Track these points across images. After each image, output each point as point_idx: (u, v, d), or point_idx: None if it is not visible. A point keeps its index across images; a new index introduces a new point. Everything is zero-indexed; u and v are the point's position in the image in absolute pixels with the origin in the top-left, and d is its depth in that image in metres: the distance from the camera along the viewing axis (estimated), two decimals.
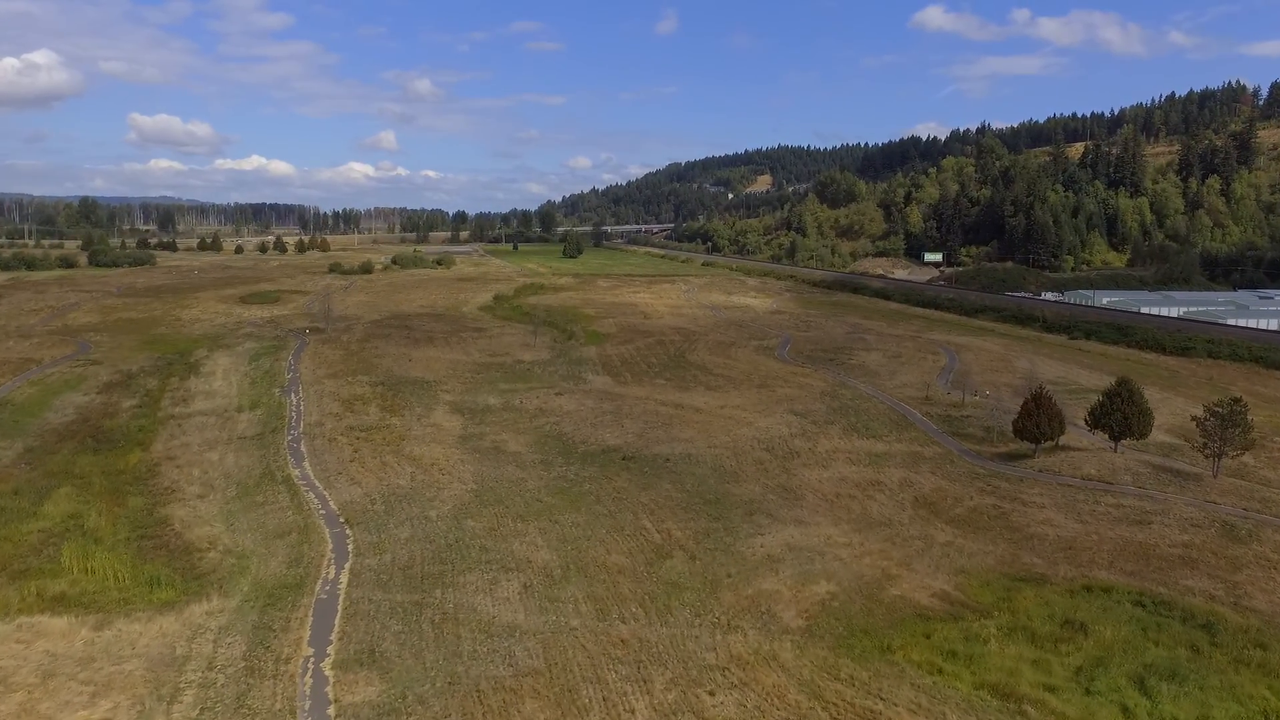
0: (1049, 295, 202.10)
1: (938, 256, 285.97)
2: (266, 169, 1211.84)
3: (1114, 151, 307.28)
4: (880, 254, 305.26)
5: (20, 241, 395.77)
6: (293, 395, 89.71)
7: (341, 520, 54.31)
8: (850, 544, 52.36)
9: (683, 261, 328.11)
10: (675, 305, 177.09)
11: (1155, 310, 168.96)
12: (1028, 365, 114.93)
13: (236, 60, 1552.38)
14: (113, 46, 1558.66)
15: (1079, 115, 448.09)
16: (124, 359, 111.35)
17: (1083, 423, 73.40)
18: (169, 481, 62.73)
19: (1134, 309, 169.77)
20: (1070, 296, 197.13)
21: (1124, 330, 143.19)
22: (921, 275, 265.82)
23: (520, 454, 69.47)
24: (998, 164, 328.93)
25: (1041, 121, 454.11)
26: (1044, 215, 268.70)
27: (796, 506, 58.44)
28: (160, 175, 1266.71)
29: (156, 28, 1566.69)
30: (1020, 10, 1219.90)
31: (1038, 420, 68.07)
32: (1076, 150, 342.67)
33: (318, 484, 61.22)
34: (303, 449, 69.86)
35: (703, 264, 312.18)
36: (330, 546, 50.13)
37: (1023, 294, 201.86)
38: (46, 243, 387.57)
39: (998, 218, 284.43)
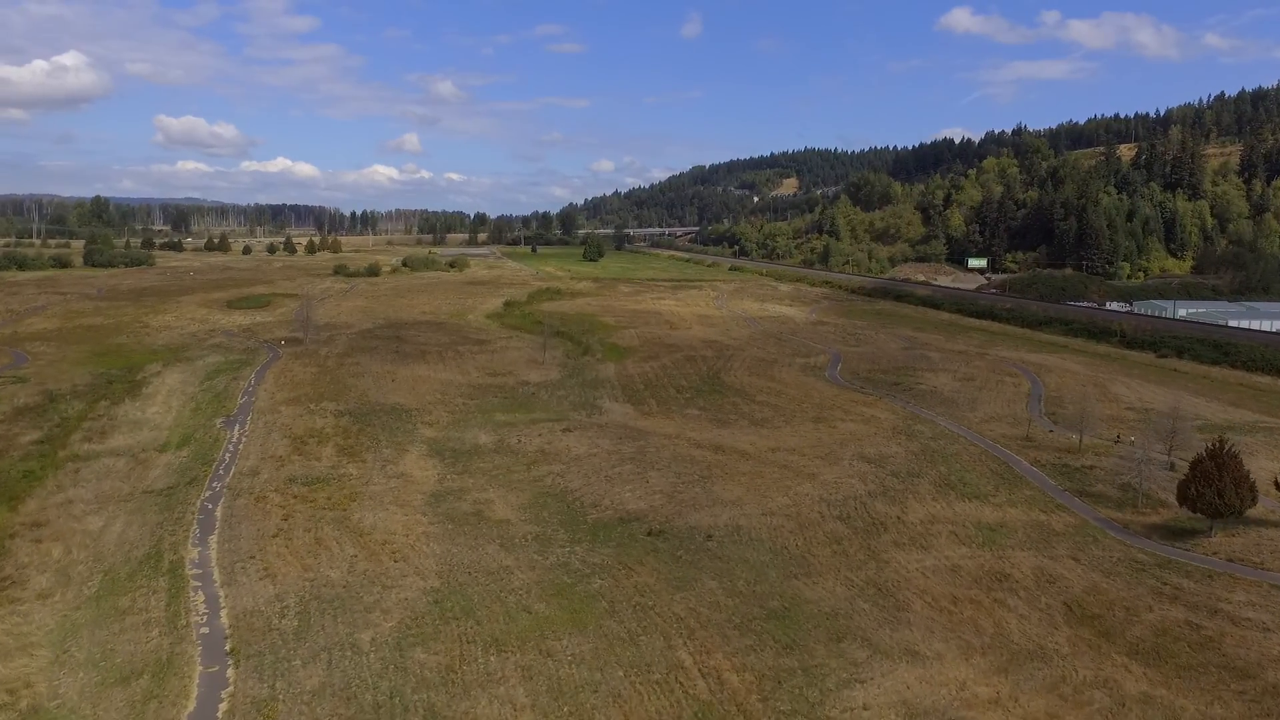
0: (1114, 305, 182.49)
1: (982, 262, 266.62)
2: (291, 171, 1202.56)
3: (1169, 152, 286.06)
4: (920, 259, 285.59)
5: (27, 240, 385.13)
6: (236, 428, 72.18)
7: (227, 649, 36.43)
8: (998, 699, 33.94)
9: (709, 265, 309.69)
10: (704, 314, 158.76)
11: (1245, 324, 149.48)
12: (1126, 391, 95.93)
13: (263, 63, 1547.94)
14: (141, 49, 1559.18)
15: (1122, 116, 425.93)
16: (58, 375, 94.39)
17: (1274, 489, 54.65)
18: (14, 566, 45.12)
19: (1219, 322, 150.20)
20: (1140, 307, 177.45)
21: (1222, 348, 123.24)
22: (967, 282, 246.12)
23: (509, 524, 51.38)
24: (1044, 165, 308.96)
25: (1082, 123, 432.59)
26: (1097, 219, 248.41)
27: (901, 623, 40.02)
28: (187, 177, 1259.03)
29: (184, 30, 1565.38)
30: (1050, 12, 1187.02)
31: (1220, 486, 49.36)
32: (1127, 151, 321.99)
33: (215, 576, 43.38)
34: (218, 513, 52.11)
35: (730, 268, 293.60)
36: (191, 708, 32.27)
37: (1086, 304, 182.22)
38: (53, 242, 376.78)
39: (1046, 221, 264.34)
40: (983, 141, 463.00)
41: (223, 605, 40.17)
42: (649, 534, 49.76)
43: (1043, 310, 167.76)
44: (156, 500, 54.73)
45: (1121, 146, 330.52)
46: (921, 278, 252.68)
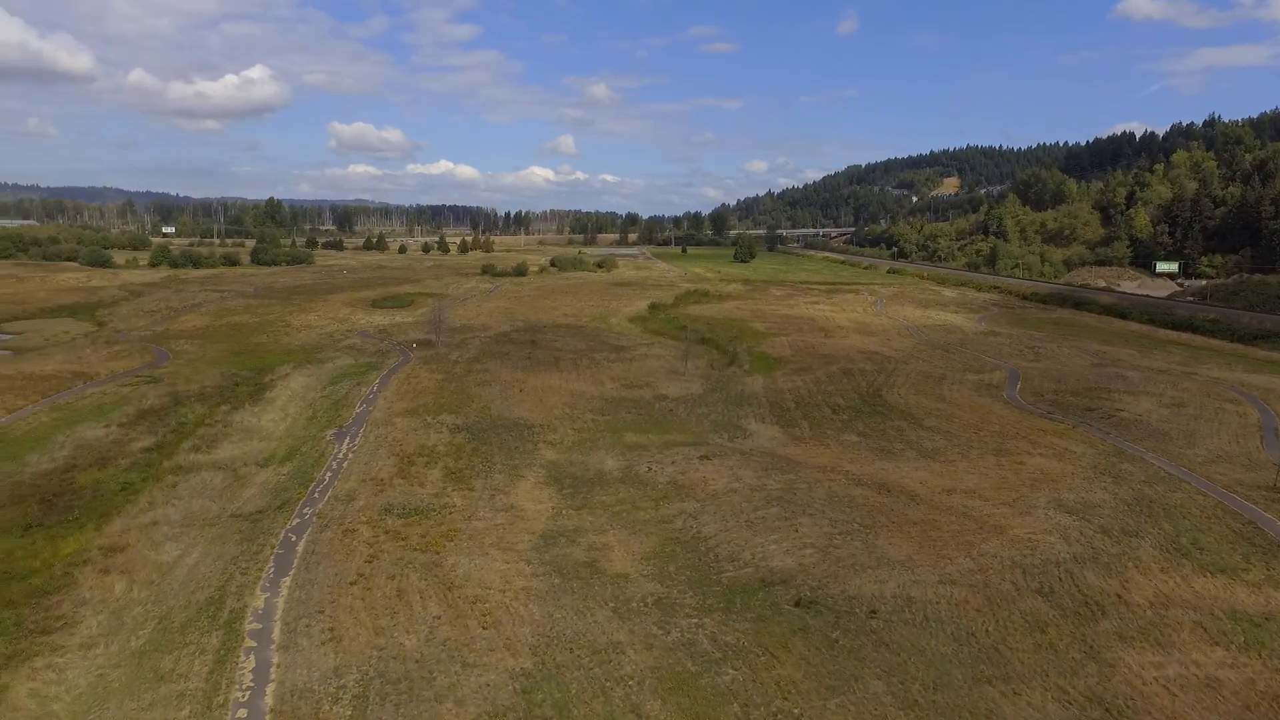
0: None
1: (1172, 266, 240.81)
2: (453, 173, 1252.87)
3: None
4: (1100, 262, 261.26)
5: (208, 240, 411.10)
6: (346, 441, 66.73)
7: None
8: None
9: (865, 268, 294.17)
10: (861, 321, 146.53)
11: None
12: None
13: (428, 70, 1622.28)
14: (318, 61, 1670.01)
15: None
16: (191, 376, 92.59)
17: None
18: (73, 603, 39.87)
19: None
20: None
21: None
22: (1155, 289, 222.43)
23: (627, 580, 42.77)
24: (1248, 157, 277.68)
25: None
26: None
27: None
28: (357, 180, 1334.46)
29: (356, 42, 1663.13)
30: None
31: None
32: None
33: (275, 634, 36.64)
34: (299, 548, 45.76)
35: (888, 271, 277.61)
36: None
37: None
38: (230, 241, 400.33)
39: (1251, 221, 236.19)
40: (1168, 134, 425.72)
41: (272, 677, 33.21)
42: (797, 604, 40.09)
43: (1256, 322, 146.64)
44: (241, 527, 49.08)
45: None
46: (1102, 283, 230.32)
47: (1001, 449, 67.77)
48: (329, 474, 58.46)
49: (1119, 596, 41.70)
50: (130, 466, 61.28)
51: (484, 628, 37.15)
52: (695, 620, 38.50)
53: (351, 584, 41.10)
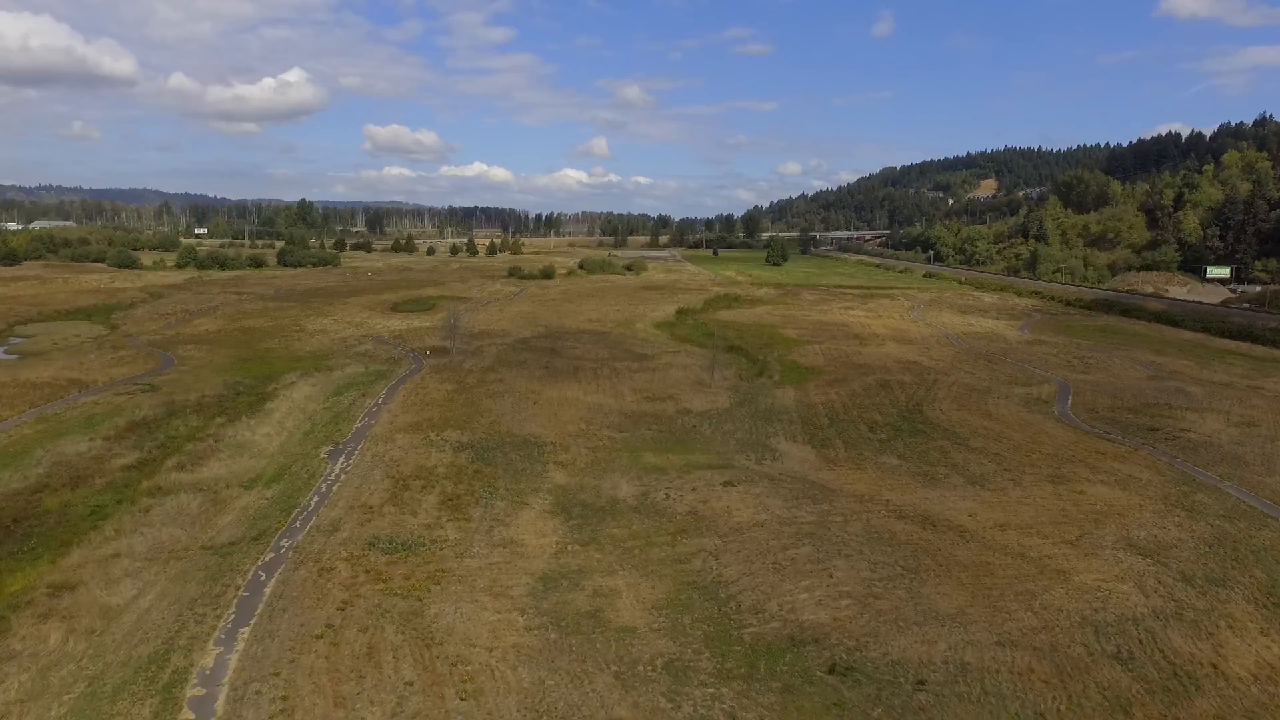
0: None
1: (1224, 271, 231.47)
2: (486, 175, 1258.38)
3: None
4: (1147, 267, 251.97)
5: (240, 241, 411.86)
6: (341, 460, 61.68)
7: None
8: None
9: (901, 272, 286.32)
10: (898, 327, 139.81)
11: None
12: None
13: (462, 73, 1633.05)
14: (354, 64, 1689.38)
15: None
16: (191, 385, 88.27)
17: None
18: None
19: None
20: None
21: None
22: (1207, 295, 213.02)
23: (634, 636, 37.10)
24: None
25: None
26: None
27: None
28: (392, 181, 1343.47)
29: (393, 45, 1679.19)
30: None
31: None
32: None
33: (218, 705, 31.26)
34: (267, 590, 40.59)
35: (924, 275, 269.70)
36: None
37: None
38: (260, 242, 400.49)
39: None
40: (1215, 134, 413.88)
41: None
42: (831, 670, 34.22)
43: None
44: (208, 563, 44.01)
45: None
46: (1150, 289, 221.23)
47: (1058, 475, 61.34)
48: (316, 498, 53.35)
49: (1214, 666, 35.40)
50: (105, 487, 56.58)
51: (462, 698, 31.64)
52: (711, 690, 32.77)
53: (318, 638, 35.80)
